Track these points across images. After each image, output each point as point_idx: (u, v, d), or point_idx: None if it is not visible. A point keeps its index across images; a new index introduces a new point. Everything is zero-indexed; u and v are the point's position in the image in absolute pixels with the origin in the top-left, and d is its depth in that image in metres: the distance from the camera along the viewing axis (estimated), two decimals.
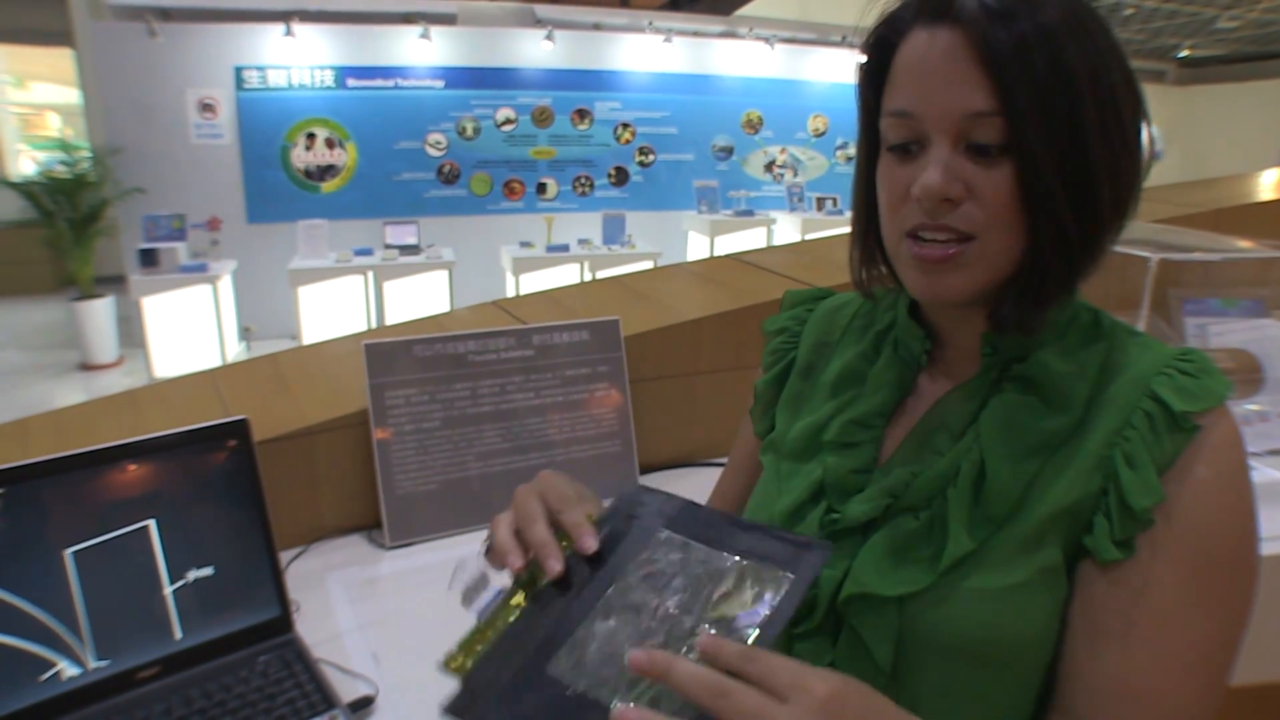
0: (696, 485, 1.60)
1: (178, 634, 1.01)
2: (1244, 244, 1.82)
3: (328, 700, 0.97)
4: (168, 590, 1.01)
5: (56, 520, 0.95)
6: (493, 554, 0.65)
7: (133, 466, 0.99)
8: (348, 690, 1.01)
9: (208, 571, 1.04)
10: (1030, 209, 0.60)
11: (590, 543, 0.62)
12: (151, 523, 1.00)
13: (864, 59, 0.68)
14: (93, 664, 0.96)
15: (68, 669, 0.94)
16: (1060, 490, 0.63)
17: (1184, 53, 12.08)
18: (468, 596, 0.64)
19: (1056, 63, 0.58)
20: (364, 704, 0.99)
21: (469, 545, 1.37)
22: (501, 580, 0.64)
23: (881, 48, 0.66)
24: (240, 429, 1.07)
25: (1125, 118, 0.61)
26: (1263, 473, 1.41)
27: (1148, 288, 1.38)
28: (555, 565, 0.61)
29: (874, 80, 0.67)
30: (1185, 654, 0.60)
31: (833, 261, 2.21)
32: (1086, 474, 0.63)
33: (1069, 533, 0.63)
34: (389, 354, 1.37)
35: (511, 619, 0.61)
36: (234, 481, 1.06)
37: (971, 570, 0.63)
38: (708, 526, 0.61)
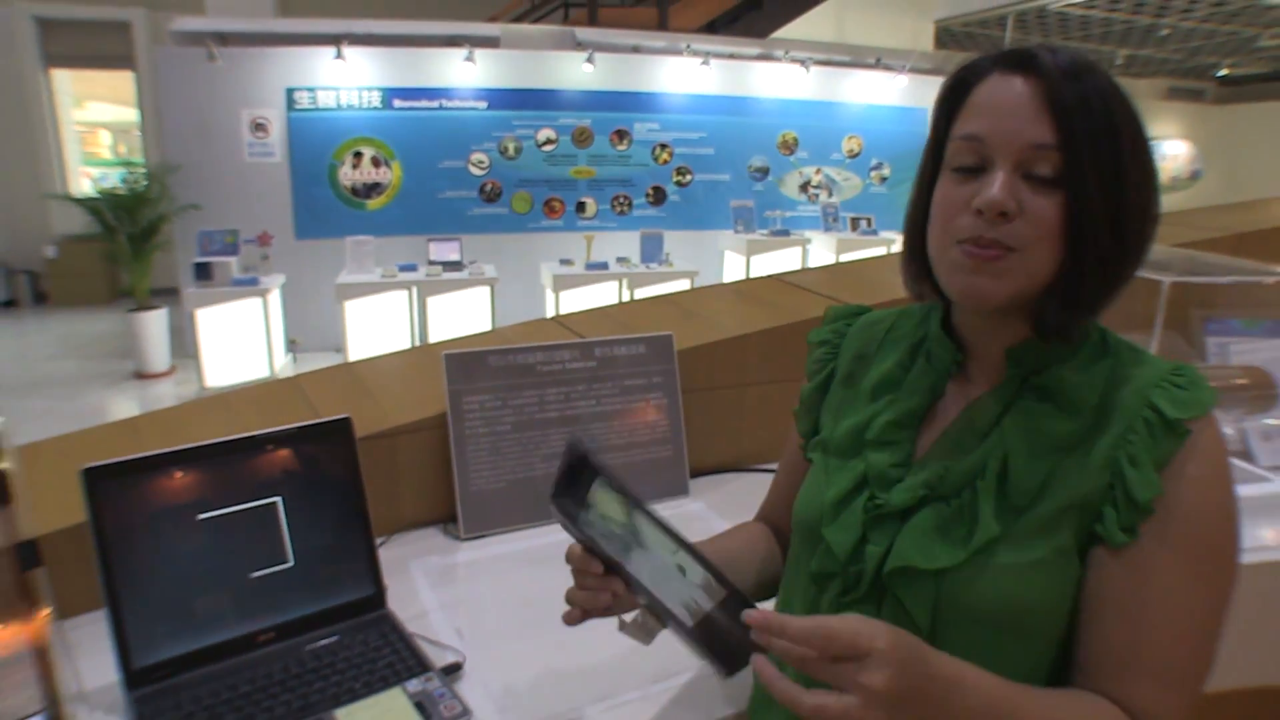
0: (744, 488, 1.73)
1: (291, 603, 1.15)
2: (1266, 268, 1.91)
3: (422, 664, 1.10)
4: (287, 563, 1.14)
5: (195, 496, 1.09)
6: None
7: (260, 453, 1.14)
8: (437, 657, 1.13)
9: (317, 549, 1.17)
10: (1073, 234, 0.73)
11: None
12: (278, 500, 1.14)
13: (943, 92, 0.81)
14: None
15: None
16: (1073, 485, 0.75)
17: (1223, 71, 12.00)
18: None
19: (1109, 118, 0.72)
20: (453, 669, 1.12)
21: (535, 539, 1.51)
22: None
23: (960, 86, 0.79)
24: (344, 426, 1.21)
25: (1152, 175, 0.75)
26: (1276, 485, 1.50)
27: (1161, 309, 1.51)
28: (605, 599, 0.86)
29: (948, 110, 0.80)
30: (1185, 621, 0.72)
31: (870, 281, 2.33)
32: (1096, 471, 0.75)
33: (1080, 521, 0.75)
34: (467, 363, 1.51)
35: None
36: (339, 472, 1.20)
37: (998, 550, 0.76)
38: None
